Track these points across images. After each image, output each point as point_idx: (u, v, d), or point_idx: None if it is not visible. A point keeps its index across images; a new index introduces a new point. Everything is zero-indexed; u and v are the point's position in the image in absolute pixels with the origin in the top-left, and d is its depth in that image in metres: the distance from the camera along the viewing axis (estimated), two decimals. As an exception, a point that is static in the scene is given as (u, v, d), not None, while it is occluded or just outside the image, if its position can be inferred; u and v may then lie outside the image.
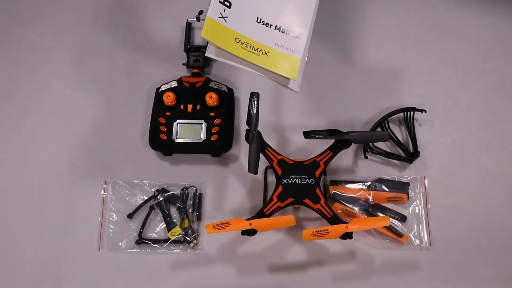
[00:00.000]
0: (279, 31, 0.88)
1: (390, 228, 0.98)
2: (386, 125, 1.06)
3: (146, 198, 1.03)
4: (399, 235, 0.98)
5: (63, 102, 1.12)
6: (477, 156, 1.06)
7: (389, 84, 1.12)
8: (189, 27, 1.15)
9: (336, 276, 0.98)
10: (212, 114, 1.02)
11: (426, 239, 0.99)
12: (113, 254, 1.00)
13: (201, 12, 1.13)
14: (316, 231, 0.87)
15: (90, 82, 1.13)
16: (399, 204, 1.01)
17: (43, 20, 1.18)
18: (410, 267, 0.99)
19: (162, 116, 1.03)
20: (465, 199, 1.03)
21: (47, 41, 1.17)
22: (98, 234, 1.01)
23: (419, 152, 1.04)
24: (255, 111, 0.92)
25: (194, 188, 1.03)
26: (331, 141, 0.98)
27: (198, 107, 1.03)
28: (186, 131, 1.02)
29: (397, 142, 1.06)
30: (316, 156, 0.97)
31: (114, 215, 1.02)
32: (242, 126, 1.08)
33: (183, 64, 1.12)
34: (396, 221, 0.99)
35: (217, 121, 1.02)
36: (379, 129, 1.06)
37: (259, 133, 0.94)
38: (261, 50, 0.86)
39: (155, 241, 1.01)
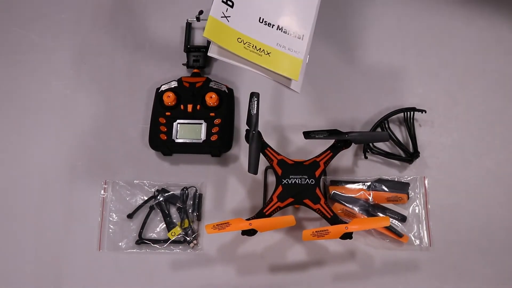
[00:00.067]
0: (281, 31, 0.88)
1: (390, 228, 0.98)
2: (386, 125, 1.06)
3: (146, 198, 1.03)
4: (399, 235, 0.98)
5: (63, 102, 1.12)
6: (477, 156, 1.06)
7: (389, 84, 1.12)
8: (189, 27, 1.15)
9: (336, 276, 0.98)
10: (212, 114, 1.02)
11: (426, 239, 0.99)
12: (113, 254, 1.00)
13: (201, 12, 1.13)
14: (316, 231, 0.87)
15: (90, 82, 1.13)
16: (399, 204, 1.01)
17: (43, 20, 1.18)
18: (410, 267, 0.99)
19: (162, 116, 1.03)
20: (465, 199, 1.03)
21: (47, 41, 1.17)
22: (98, 234, 1.01)
23: (419, 152, 1.04)
24: (255, 111, 0.92)
25: (194, 188, 1.03)
26: (331, 141, 0.98)
27: (198, 107, 1.03)
28: (186, 131, 1.02)
29: (397, 142, 1.06)
30: (316, 156, 0.97)
31: (114, 215, 1.02)
32: (242, 126, 1.08)
33: (183, 64, 1.12)
34: (396, 221, 0.99)
35: (217, 121, 1.02)
36: (379, 129, 1.06)
37: (259, 133, 0.94)
38: (263, 50, 0.86)
39: (155, 241, 1.01)
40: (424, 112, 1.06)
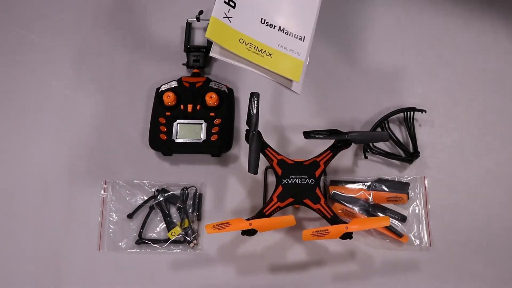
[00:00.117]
0: (283, 32, 0.87)
1: (390, 228, 0.98)
2: (386, 125, 1.06)
3: (146, 198, 1.03)
4: (399, 235, 0.98)
5: (63, 102, 1.12)
6: (477, 156, 1.06)
7: (389, 84, 1.12)
8: (189, 27, 1.15)
9: (336, 276, 0.98)
10: (212, 114, 1.02)
11: (426, 239, 0.99)
12: (113, 254, 1.00)
13: (201, 12, 1.13)
14: (316, 231, 0.86)
15: (90, 82, 1.13)
16: (399, 204, 1.01)
17: (43, 20, 1.18)
18: (410, 267, 0.99)
19: (162, 116, 1.03)
20: (465, 199, 1.03)
21: (47, 41, 1.17)
22: (98, 234, 1.01)
23: (419, 152, 1.04)
24: (255, 111, 0.92)
25: (194, 188, 1.03)
26: (331, 141, 0.98)
27: (198, 107, 1.03)
28: (186, 131, 1.02)
29: (397, 142, 1.06)
30: (316, 156, 0.97)
31: (114, 215, 1.02)
32: (242, 126, 1.08)
33: (183, 64, 1.12)
34: (396, 221, 0.99)
35: (217, 121, 1.02)
36: (379, 129, 1.06)
37: (259, 133, 0.94)
38: (265, 51, 0.86)
39: (155, 241, 1.01)
40: (424, 112, 1.06)
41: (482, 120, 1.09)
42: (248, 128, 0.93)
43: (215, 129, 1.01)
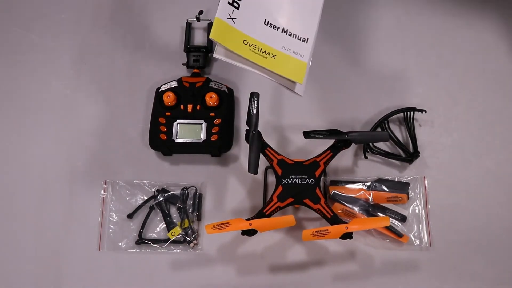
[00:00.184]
0: (286, 34, 0.87)
1: (390, 228, 0.98)
2: (386, 125, 1.06)
3: (146, 198, 1.03)
4: (399, 235, 0.98)
5: (63, 102, 1.12)
6: (477, 156, 1.06)
7: (389, 84, 1.12)
8: (189, 27, 1.15)
9: (336, 276, 0.98)
10: (212, 114, 1.02)
11: (426, 239, 0.99)
12: (113, 254, 1.00)
13: (201, 12, 1.13)
14: (316, 231, 0.86)
15: (90, 82, 1.13)
16: (399, 204, 1.01)
17: (43, 20, 1.18)
18: (410, 267, 0.99)
19: (162, 116, 1.03)
20: (465, 199, 1.03)
21: (47, 41, 1.17)
22: (98, 234, 1.01)
23: (419, 152, 1.04)
24: (255, 111, 0.92)
25: (194, 188, 1.03)
26: (331, 141, 0.98)
27: (198, 107, 1.03)
28: (186, 131, 1.02)
29: (397, 142, 1.06)
30: (316, 156, 0.97)
31: (114, 215, 1.02)
32: (242, 126, 1.08)
33: (183, 64, 1.12)
34: (396, 221, 0.99)
35: (217, 121, 1.02)
36: (379, 129, 1.06)
37: (259, 133, 0.94)
38: (269, 52, 0.86)
39: (155, 241, 1.01)
40: (424, 112, 1.06)
41: (482, 120, 1.09)
42: (248, 128, 0.93)
43: (215, 129, 1.01)
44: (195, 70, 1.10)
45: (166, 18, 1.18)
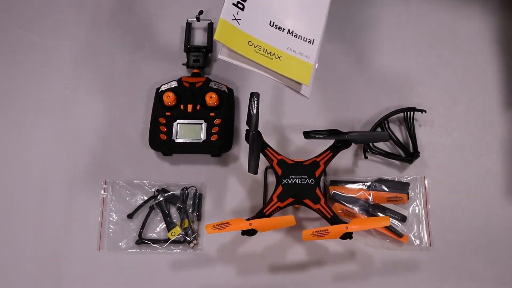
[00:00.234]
0: (292, 35, 0.87)
1: (390, 228, 0.98)
2: (386, 125, 1.06)
3: (146, 198, 1.03)
4: (399, 235, 0.98)
5: (63, 102, 1.12)
6: (477, 156, 1.06)
7: (389, 84, 1.12)
8: (189, 27, 1.15)
9: (336, 276, 0.98)
10: (212, 114, 1.02)
11: (426, 239, 0.99)
12: (113, 254, 1.00)
13: (201, 12, 1.13)
14: (316, 231, 0.86)
15: (90, 82, 1.13)
16: (399, 204, 1.01)
17: (43, 20, 1.18)
18: (410, 267, 0.99)
19: (162, 116, 1.03)
20: (465, 199, 1.03)
21: (47, 41, 1.17)
22: (98, 234, 1.01)
23: (419, 152, 1.04)
24: (255, 111, 0.92)
25: (194, 188, 1.03)
26: (331, 141, 0.98)
27: (198, 107, 1.03)
28: (186, 131, 1.02)
29: (397, 142, 1.06)
30: (316, 156, 0.97)
31: (114, 215, 1.02)
32: (242, 126, 1.08)
33: (183, 64, 1.12)
34: (396, 221, 0.99)
35: (217, 121, 1.02)
36: (379, 129, 1.06)
37: (259, 133, 0.94)
38: (274, 54, 0.85)
39: (155, 241, 1.01)
40: (424, 112, 1.06)
41: (482, 120, 1.09)
42: (248, 128, 0.93)
43: (215, 129, 1.01)
44: (195, 70, 1.10)
45: (166, 18, 1.18)
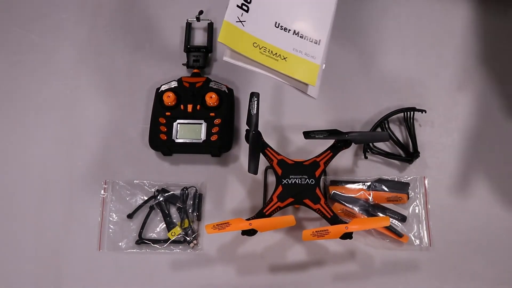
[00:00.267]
0: (298, 36, 0.86)
1: (390, 228, 0.98)
2: (386, 125, 1.06)
3: (146, 198, 1.03)
4: (399, 235, 0.98)
5: (63, 102, 1.12)
6: (477, 156, 1.06)
7: (389, 84, 1.12)
8: (189, 27, 1.15)
9: (336, 276, 0.98)
10: (212, 114, 1.02)
11: (426, 239, 0.99)
12: (113, 254, 1.00)
13: (201, 12, 1.13)
14: (316, 231, 0.86)
15: (90, 82, 1.13)
16: (399, 204, 1.01)
17: (43, 20, 1.18)
18: (410, 267, 0.99)
19: (162, 116, 1.03)
20: (465, 199, 1.03)
21: (47, 41, 1.17)
22: (98, 234, 1.01)
23: (419, 152, 1.04)
24: (255, 111, 0.92)
25: (194, 188, 1.03)
26: (331, 141, 0.98)
27: (198, 107, 1.03)
28: (186, 131, 1.02)
29: (397, 142, 1.06)
30: (316, 156, 0.97)
31: (114, 215, 1.02)
32: (242, 126, 1.08)
33: (183, 64, 1.12)
34: (396, 221, 0.99)
35: (217, 121, 1.02)
36: (379, 129, 1.06)
37: (259, 133, 0.94)
38: (280, 55, 0.85)
39: (155, 241, 1.01)
40: (424, 112, 1.06)
41: (482, 120, 1.08)
42: (248, 128, 0.93)
43: (215, 129, 1.01)
44: (195, 70, 1.10)
45: (166, 18, 1.18)
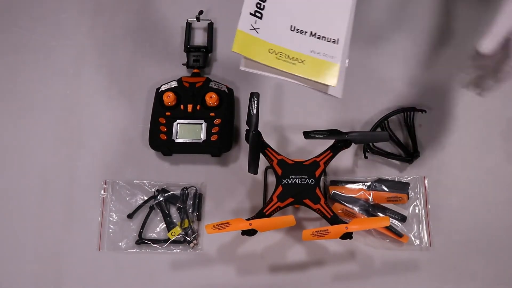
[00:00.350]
0: (315, 37, 0.84)
1: (390, 228, 0.98)
2: (386, 125, 1.06)
3: (146, 198, 1.03)
4: (399, 235, 0.98)
5: (63, 102, 1.12)
6: (477, 156, 1.06)
7: (389, 84, 1.11)
8: (189, 27, 1.15)
9: (336, 276, 0.98)
10: (212, 114, 1.02)
11: (426, 239, 0.99)
12: (113, 254, 1.00)
13: (201, 12, 1.13)
14: (316, 231, 0.86)
15: (90, 82, 1.13)
16: (399, 204, 1.01)
17: (43, 20, 1.18)
18: (410, 267, 0.99)
19: (162, 116, 1.03)
20: (465, 199, 1.03)
21: (47, 41, 1.17)
22: (98, 234, 1.01)
23: (419, 152, 1.04)
24: (255, 111, 0.91)
25: (194, 188, 1.03)
26: (331, 141, 0.98)
27: (198, 107, 1.03)
28: (186, 131, 1.02)
29: (397, 142, 1.06)
30: (316, 156, 0.97)
31: (114, 215, 1.02)
32: (242, 126, 1.08)
33: (183, 64, 1.12)
34: (396, 221, 0.99)
35: (217, 121, 1.02)
36: (379, 129, 1.06)
37: (259, 133, 0.94)
38: (297, 58, 0.83)
39: (155, 241, 1.01)
40: (424, 112, 1.06)
41: (482, 120, 1.08)
42: (248, 128, 0.92)
43: (215, 129, 1.01)
44: (195, 70, 1.10)
45: (166, 18, 1.18)
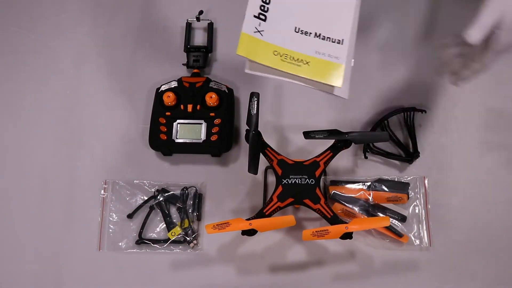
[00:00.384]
0: (319, 38, 0.84)
1: (390, 228, 0.98)
2: (386, 125, 1.06)
3: (146, 198, 1.03)
4: (399, 235, 0.98)
5: (63, 102, 1.12)
6: (477, 156, 1.06)
7: (389, 84, 1.12)
8: (189, 27, 1.15)
9: (336, 276, 0.98)
10: (212, 114, 1.02)
11: (426, 239, 0.99)
12: (113, 254, 1.00)
13: (201, 12, 1.13)
14: (316, 231, 0.86)
15: (90, 82, 1.13)
16: (399, 204, 1.01)
17: (43, 20, 1.18)
18: (410, 267, 0.99)
19: (162, 116, 1.03)
20: (465, 199, 1.03)
21: (47, 41, 1.17)
22: (98, 234, 1.01)
23: (419, 152, 1.04)
24: (255, 111, 0.91)
25: (194, 188, 1.03)
26: (331, 141, 0.98)
27: (198, 107, 1.03)
28: (186, 131, 1.02)
29: (397, 142, 1.06)
30: (316, 156, 0.97)
31: (114, 215, 1.02)
32: (242, 126, 1.08)
33: (183, 64, 1.12)
34: (396, 221, 0.99)
35: (217, 121, 1.02)
36: (379, 129, 1.06)
37: (259, 133, 0.94)
38: (302, 60, 0.83)
39: (155, 241, 1.01)
40: (424, 112, 1.06)
41: (482, 120, 1.09)
42: (248, 128, 0.92)
43: (215, 129, 1.01)
44: (195, 70, 1.10)
45: (166, 18, 1.18)
